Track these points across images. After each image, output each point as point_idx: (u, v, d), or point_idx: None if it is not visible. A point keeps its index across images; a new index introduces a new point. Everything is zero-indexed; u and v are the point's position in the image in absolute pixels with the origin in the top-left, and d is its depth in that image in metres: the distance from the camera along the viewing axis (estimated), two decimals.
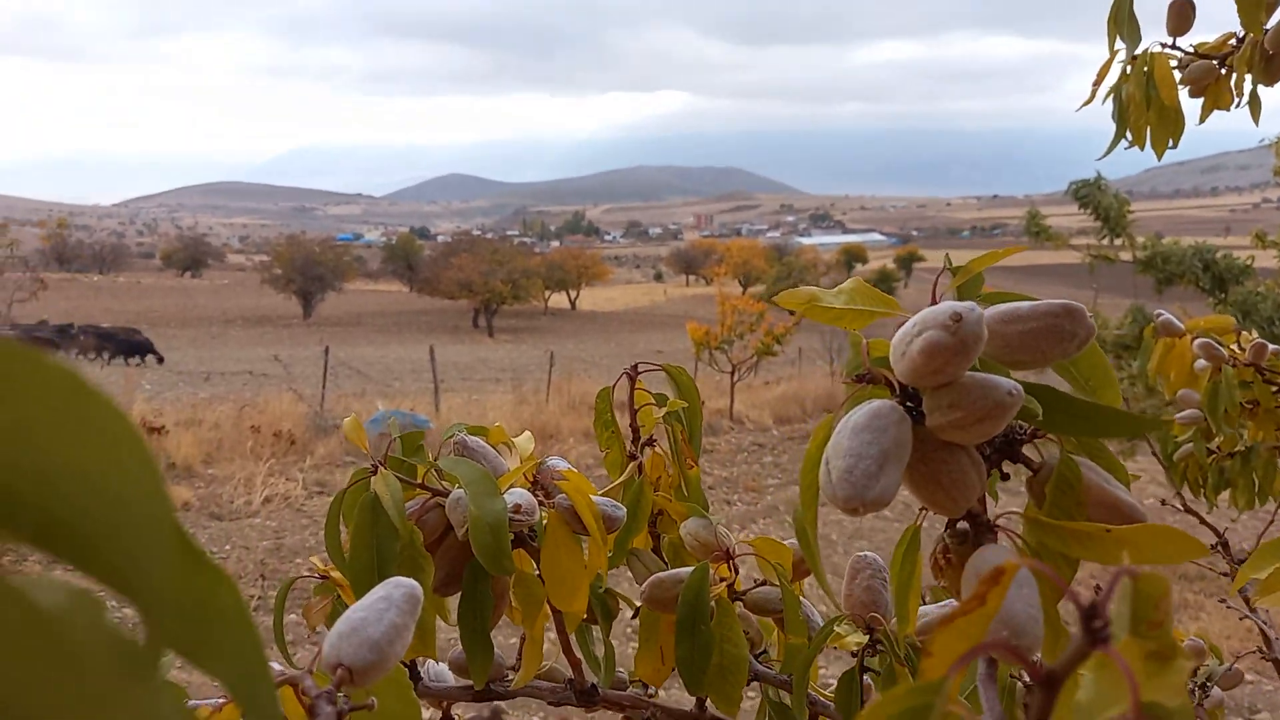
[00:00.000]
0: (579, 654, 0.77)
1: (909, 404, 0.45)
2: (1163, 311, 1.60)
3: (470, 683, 0.76)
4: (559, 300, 46.80)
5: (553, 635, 0.76)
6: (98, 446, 0.13)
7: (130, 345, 19.27)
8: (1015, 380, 0.47)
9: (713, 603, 0.69)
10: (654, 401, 0.87)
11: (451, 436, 0.70)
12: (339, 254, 39.73)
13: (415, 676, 0.78)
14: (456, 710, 0.82)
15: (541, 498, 0.67)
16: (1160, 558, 0.40)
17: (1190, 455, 1.60)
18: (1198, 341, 1.48)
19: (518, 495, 0.64)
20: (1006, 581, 0.25)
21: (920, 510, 0.48)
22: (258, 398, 11.12)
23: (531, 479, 0.69)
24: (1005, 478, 0.48)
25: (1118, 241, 7.42)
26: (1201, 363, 1.48)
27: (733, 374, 12.87)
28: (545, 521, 0.67)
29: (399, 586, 0.44)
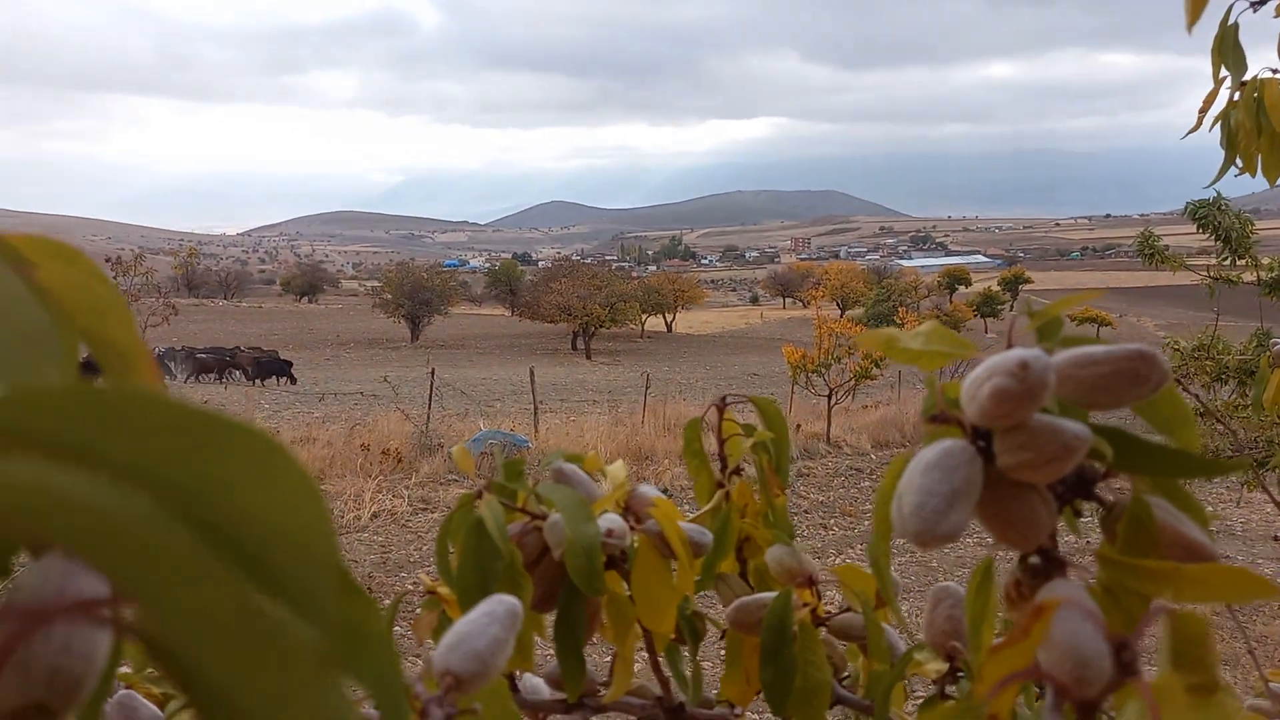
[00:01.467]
0: (668, 673, 0.80)
1: (981, 443, 0.47)
2: (1279, 340, 1.54)
3: (564, 696, 0.80)
4: (656, 323, 47.09)
5: (644, 654, 0.80)
6: (285, 500, 0.18)
7: (273, 366, 20.96)
8: (1089, 421, 0.48)
9: (796, 627, 0.71)
10: (741, 432, 0.90)
11: (550, 464, 0.74)
12: (445, 279, 41.10)
13: (514, 688, 0.83)
14: None
15: (633, 523, 0.71)
16: (1227, 596, 0.41)
17: None
18: None
19: (610, 520, 0.68)
20: (1048, 616, 0.27)
21: (995, 544, 0.50)
22: (368, 417, 11.57)
23: (624, 505, 0.73)
24: (1078, 515, 0.50)
25: (1240, 262, 7.04)
26: None
27: (830, 397, 12.71)
28: (636, 545, 0.71)
29: (501, 603, 0.48)
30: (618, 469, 0.75)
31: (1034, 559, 0.49)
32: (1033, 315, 0.55)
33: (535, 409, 12.03)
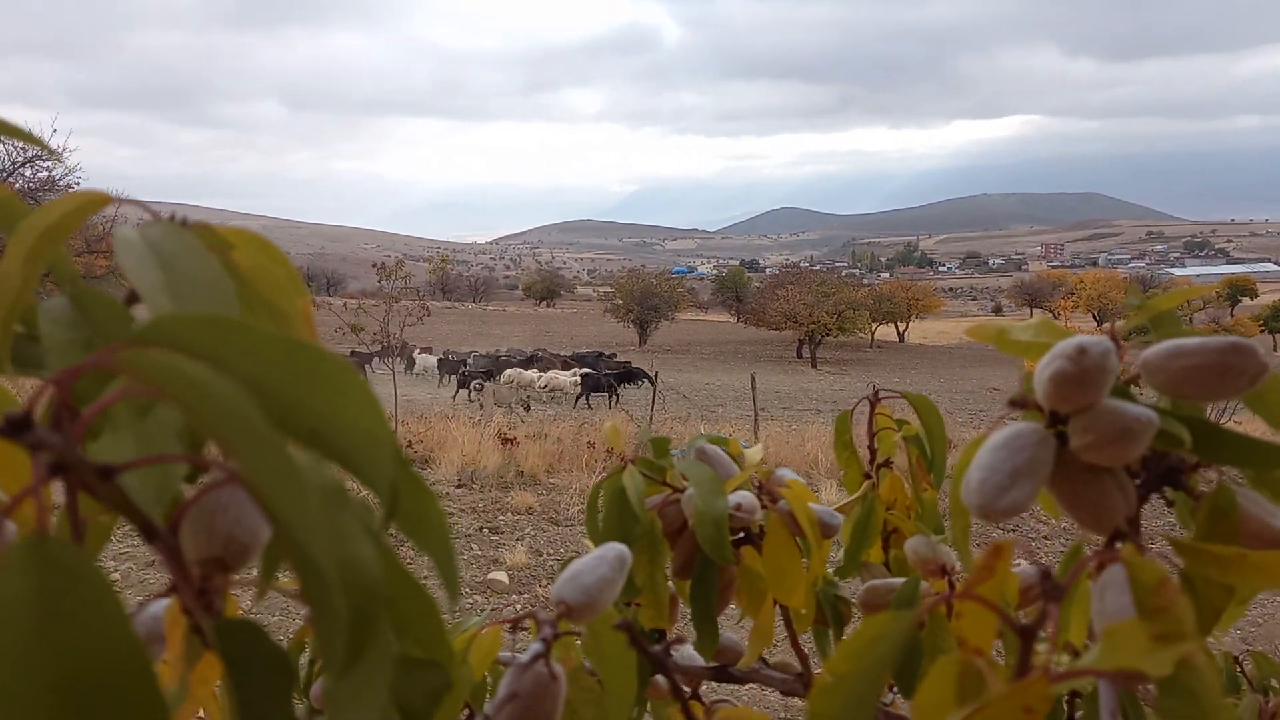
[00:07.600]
0: (806, 650, 0.84)
1: (1060, 427, 0.49)
2: None
3: (715, 665, 0.86)
4: (887, 333, 45.63)
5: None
6: (356, 407, 0.26)
7: (630, 374, 22.02)
8: (1194, 412, 0.49)
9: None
10: (894, 426, 0.92)
11: (694, 444, 0.81)
12: (673, 286, 42.16)
13: (667, 653, 0.90)
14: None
15: (766, 502, 0.77)
16: None
17: None
18: None
19: (741, 496, 0.74)
20: (1007, 555, 0.31)
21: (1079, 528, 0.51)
22: (595, 416, 12.13)
23: (759, 485, 0.78)
24: (1169, 504, 0.50)
25: None
26: None
27: None
28: (768, 522, 0.76)
29: (613, 549, 0.56)
30: (754, 452, 0.81)
31: (1118, 544, 0.50)
32: (1141, 307, 0.56)
33: (755, 415, 12.08)
